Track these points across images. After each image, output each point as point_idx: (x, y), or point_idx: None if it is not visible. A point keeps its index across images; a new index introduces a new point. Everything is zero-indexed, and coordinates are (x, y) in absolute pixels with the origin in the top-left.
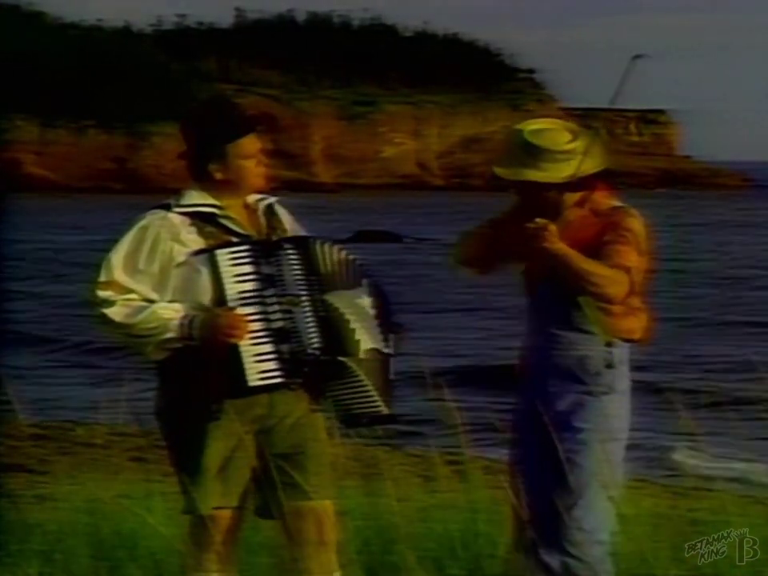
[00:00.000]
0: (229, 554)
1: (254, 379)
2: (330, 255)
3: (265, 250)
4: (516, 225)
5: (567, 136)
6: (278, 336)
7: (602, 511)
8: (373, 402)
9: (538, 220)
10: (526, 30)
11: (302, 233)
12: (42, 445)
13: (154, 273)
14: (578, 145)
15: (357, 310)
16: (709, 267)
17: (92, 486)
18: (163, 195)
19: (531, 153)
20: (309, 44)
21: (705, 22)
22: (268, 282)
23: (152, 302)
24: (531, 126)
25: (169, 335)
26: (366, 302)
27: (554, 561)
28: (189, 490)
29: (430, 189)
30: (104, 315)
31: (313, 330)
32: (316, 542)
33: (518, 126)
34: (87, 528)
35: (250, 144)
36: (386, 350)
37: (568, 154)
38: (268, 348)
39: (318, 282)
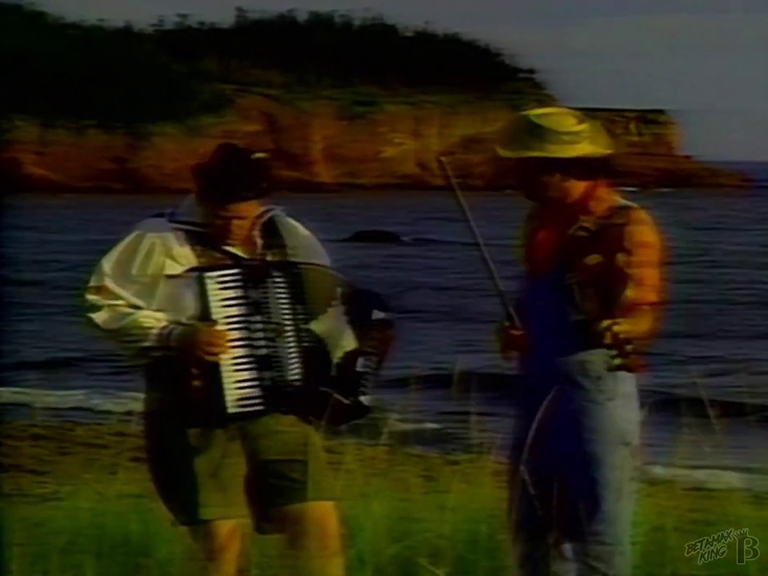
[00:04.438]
0: (234, 571)
1: (233, 406)
2: (317, 279)
3: (253, 275)
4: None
5: (573, 119)
6: (260, 363)
7: (620, 521)
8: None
9: (604, 322)
10: (526, 30)
11: (307, 243)
12: (42, 445)
13: (145, 282)
14: (584, 128)
15: (335, 330)
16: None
17: (93, 486)
18: (163, 195)
19: (536, 134)
20: (309, 44)
21: (705, 22)
22: (254, 308)
23: (138, 308)
24: (536, 111)
25: (147, 344)
26: (341, 317)
27: (569, 574)
28: (183, 500)
29: (429, 189)
30: (90, 319)
31: (294, 360)
32: (319, 546)
33: (523, 112)
34: (90, 528)
35: (243, 210)
36: (357, 350)
37: (574, 135)
38: (250, 374)
39: (304, 309)
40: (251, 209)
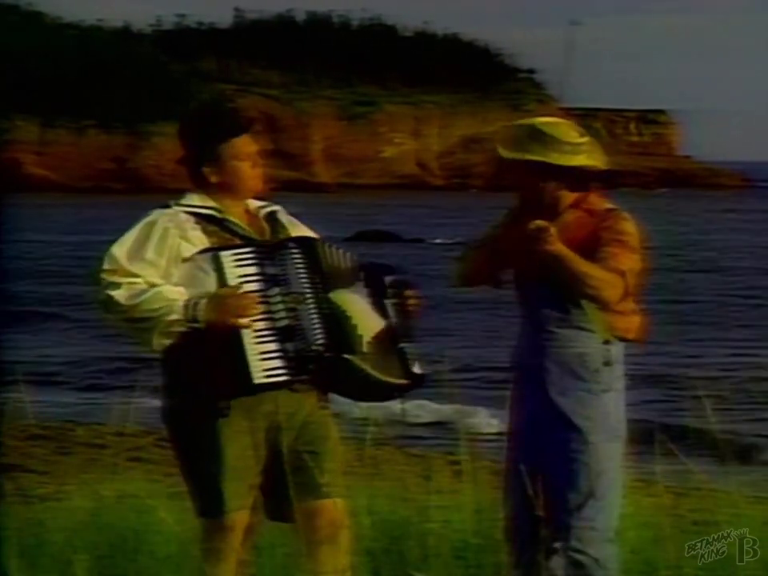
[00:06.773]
0: (245, 560)
1: (259, 377)
2: (332, 255)
3: (269, 250)
4: (513, 230)
5: (575, 132)
6: (283, 334)
7: (611, 509)
8: (384, 383)
9: (537, 222)
10: (526, 30)
11: (310, 231)
12: (42, 445)
13: (161, 265)
14: (585, 141)
15: (359, 305)
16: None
17: (94, 486)
18: (163, 195)
19: (539, 140)
20: (309, 44)
21: (705, 22)
22: (272, 281)
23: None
24: (542, 119)
25: (173, 317)
26: (364, 294)
27: (559, 563)
28: (205, 493)
29: (430, 189)
30: (109, 297)
31: (317, 327)
32: (329, 542)
33: (527, 120)
34: (89, 528)
35: (245, 145)
36: (387, 325)
37: (575, 146)
38: (273, 346)
39: (322, 280)
40: (250, 146)
